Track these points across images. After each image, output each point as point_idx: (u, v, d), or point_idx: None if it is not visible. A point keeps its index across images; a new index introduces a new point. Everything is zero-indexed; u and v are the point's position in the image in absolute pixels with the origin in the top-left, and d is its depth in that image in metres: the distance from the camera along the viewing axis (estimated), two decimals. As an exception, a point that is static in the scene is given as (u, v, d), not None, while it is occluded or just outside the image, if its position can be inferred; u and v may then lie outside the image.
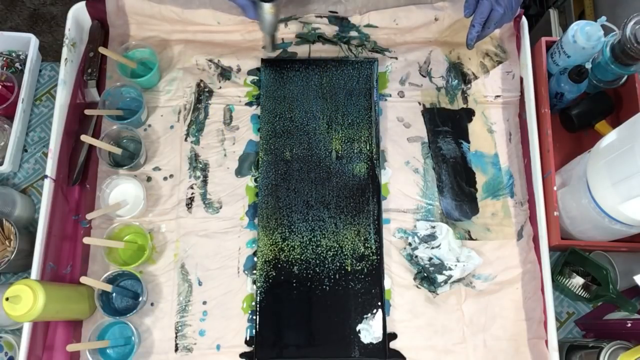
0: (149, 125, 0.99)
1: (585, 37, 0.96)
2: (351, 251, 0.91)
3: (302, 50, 1.03)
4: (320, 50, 1.04)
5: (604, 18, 0.97)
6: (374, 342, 0.87)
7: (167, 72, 1.02)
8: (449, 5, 1.03)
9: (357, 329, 0.88)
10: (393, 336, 0.89)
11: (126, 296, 0.89)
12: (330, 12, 1.03)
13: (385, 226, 0.93)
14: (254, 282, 0.90)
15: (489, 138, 1.00)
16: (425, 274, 0.92)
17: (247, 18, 0.85)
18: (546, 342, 0.87)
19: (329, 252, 0.91)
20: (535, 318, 0.90)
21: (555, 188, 0.93)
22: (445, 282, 0.90)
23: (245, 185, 0.96)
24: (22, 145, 1.02)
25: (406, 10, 1.03)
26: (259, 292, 0.88)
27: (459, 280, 0.91)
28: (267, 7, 0.83)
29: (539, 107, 0.98)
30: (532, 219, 0.95)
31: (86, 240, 0.84)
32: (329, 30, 1.04)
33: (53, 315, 0.82)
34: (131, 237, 0.93)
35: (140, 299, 0.86)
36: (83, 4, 1.02)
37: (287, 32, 1.03)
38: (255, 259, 0.91)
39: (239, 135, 0.99)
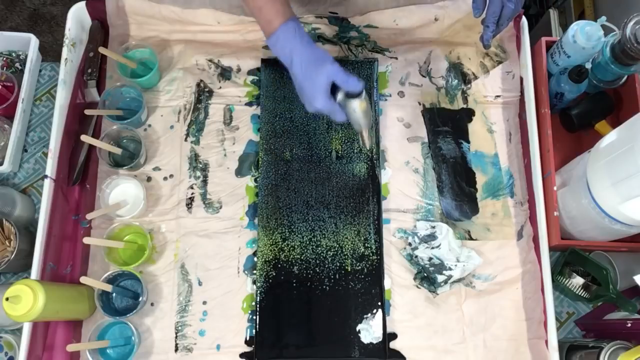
0: (149, 125, 0.99)
1: (585, 37, 0.96)
2: (351, 251, 0.91)
3: (302, 50, 1.03)
4: (320, 50, 1.04)
5: (604, 18, 0.97)
6: (374, 342, 0.87)
7: (167, 72, 1.02)
8: (449, 5, 1.03)
9: (357, 329, 0.88)
10: (393, 336, 0.89)
11: (126, 296, 0.89)
12: (331, 12, 1.03)
13: (385, 226, 0.93)
14: (254, 282, 0.90)
15: (489, 138, 1.00)
16: (425, 274, 0.92)
17: (338, 121, 0.79)
18: (546, 342, 0.87)
19: (329, 252, 0.91)
20: (535, 318, 0.90)
21: (555, 188, 0.93)
22: (445, 282, 0.90)
23: (245, 185, 0.96)
24: (22, 145, 1.02)
25: (406, 10, 1.03)
26: (259, 292, 0.88)
27: (459, 280, 0.91)
28: (356, 104, 0.77)
29: (539, 107, 0.98)
30: (532, 219, 0.95)
31: (86, 240, 0.84)
32: (329, 30, 1.04)
33: (53, 315, 0.82)
34: (131, 237, 0.93)
35: (140, 299, 0.86)
36: (83, 4, 1.02)
37: (287, 32, 1.03)
38: (255, 259, 0.91)
39: (239, 135, 0.99)
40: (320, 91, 0.75)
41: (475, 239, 0.94)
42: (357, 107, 0.78)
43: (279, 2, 0.78)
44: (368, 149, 0.87)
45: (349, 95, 0.77)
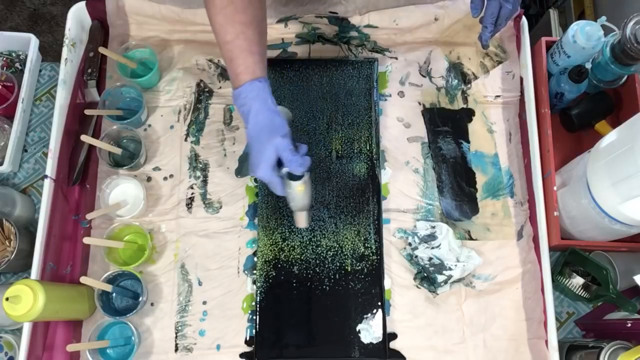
0: (149, 125, 0.99)
1: (585, 37, 0.96)
2: (351, 251, 0.91)
3: (302, 50, 1.03)
4: (320, 50, 1.04)
5: (604, 18, 0.97)
6: (374, 342, 0.87)
7: (167, 72, 1.02)
8: (449, 5, 1.03)
9: (357, 329, 0.88)
10: (393, 336, 0.89)
11: (126, 296, 0.89)
12: (330, 12, 1.03)
13: (385, 226, 0.93)
14: (254, 282, 0.90)
15: (489, 138, 1.00)
16: (425, 274, 0.92)
17: (276, 194, 0.77)
18: (546, 342, 0.87)
19: (329, 252, 0.91)
20: (535, 318, 0.90)
21: (555, 188, 0.92)
22: (445, 282, 0.90)
23: (245, 185, 0.96)
24: (22, 145, 1.02)
25: (406, 10, 1.03)
26: (259, 292, 0.88)
27: (459, 280, 0.91)
28: (296, 185, 0.76)
29: (539, 107, 0.98)
30: (532, 219, 0.95)
31: (86, 240, 0.84)
32: (329, 30, 1.04)
33: (53, 315, 0.82)
34: (131, 237, 0.93)
35: (140, 299, 0.86)
36: (83, 4, 1.02)
37: (287, 32, 1.03)
38: (255, 259, 0.91)
39: (239, 135, 0.99)
40: (265, 161, 0.73)
41: (475, 239, 0.94)
42: (296, 188, 0.77)
43: (253, 58, 0.75)
44: (302, 227, 0.85)
45: (291, 176, 0.76)
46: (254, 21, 0.76)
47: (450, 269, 0.90)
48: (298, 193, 0.77)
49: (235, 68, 0.75)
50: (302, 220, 0.83)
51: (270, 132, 0.74)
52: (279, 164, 0.75)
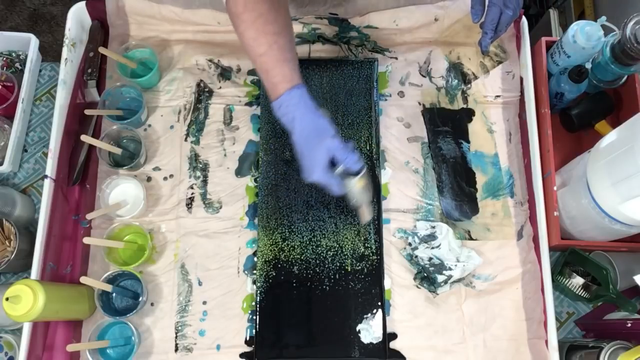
0: (149, 125, 0.99)
1: (585, 37, 0.96)
2: (351, 251, 0.91)
3: (302, 50, 1.03)
4: (320, 50, 1.04)
5: (604, 18, 0.97)
6: (374, 342, 0.87)
7: (167, 72, 1.02)
8: (449, 5, 1.03)
9: (357, 329, 0.88)
10: (393, 336, 0.89)
11: (126, 296, 0.89)
12: (331, 14, 1.03)
13: (385, 226, 0.93)
14: (254, 282, 0.90)
15: (489, 138, 1.00)
16: (425, 274, 0.92)
17: (335, 195, 0.77)
18: (546, 342, 0.87)
19: (329, 252, 0.91)
20: (535, 318, 0.90)
21: (555, 188, 0.92)
22: (445, 282, 0.90)
23: (245, 185, 0.96)
24: (22, 145, 1.02)
25: (406, 10, 1.03)
26: (259, 292, 0.88)
27: (459, 280, 0.91)
28: (356, 181, 0.77)
29: (539, 107, 0.98)
30: (532, 219, 0.95)
31: (86, 240, 0.84)
32: (329, 30, 1.04)
33: (53, 315, 0.82)
34: (131, 237, 0.93)
35: (140, 299, 0.86)
36: (83, 4, 1.02)
37: (287, 32, 1.03)
38: (255, 259, 0.91)
39: (239, 135, 0.99)
40: (319, 164, 0.74)
41: (475, 239, 0.94)
42: (355, 184, 0.77)
43: (288, 66, 0.75)
44: (365, 223, 0.85)
45: (348, 172, 0.76)
46: (284, 29, 0.76)
47: (450, 269, 0.90)
48: (359, 188, 0.78)
49: (272, 79, 0.75)
50: (367, 213, 0.82)
51: (319, 134, 0.74)
52: (332, 164, 0.75)
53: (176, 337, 0.88)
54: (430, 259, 0.91)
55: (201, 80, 1.01)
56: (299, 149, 0.76)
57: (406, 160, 0.98)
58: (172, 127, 0.99)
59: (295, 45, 0.79)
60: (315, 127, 0.75)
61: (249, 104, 1.00)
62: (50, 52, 1.71)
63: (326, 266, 0.90)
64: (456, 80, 1.03)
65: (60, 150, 0.93)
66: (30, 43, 1.02)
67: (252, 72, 1.02)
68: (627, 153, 0.76)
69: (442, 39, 1.05)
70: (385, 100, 1.01)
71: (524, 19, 1.02)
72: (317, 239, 0.92)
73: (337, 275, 0.90)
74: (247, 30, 0.75)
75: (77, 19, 1.01)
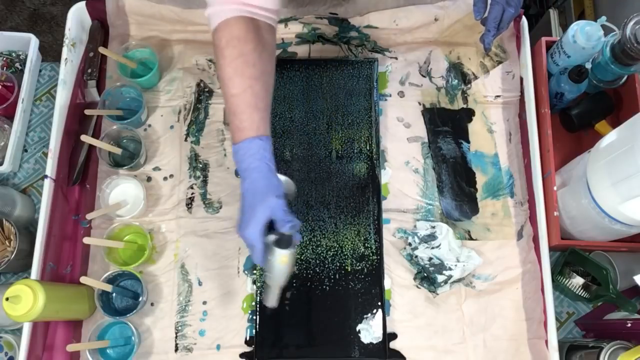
0: (149, 125, 0.99)
1: (585, 37, 0.96)
2: (351, 251, 0.91)
3: (302, 50, 1.04)
4: (320, 50, 1.04)
5: (604, 18, 0.97)
6: (374, 342, 0.87)
7: (167, 72, 1.02)
8: (449, 5, 1.03)
9: (357, 329, 0.88)
10: (393, 336, 0.89)
11: (126, 296, 0.89)
12: (331, 14, 1.03)
13: (385, 226, 0.93)
14: (254, 282, 0.90)
15: (489, 138, 1.00)
16: (425, 274, 0.92)
17: (254, 261, 0.72)
18: (546, 342, 0.87)
19: (329, 252, 0.91)
20: (535, 318, 0.90)
21: (555, 188, 0.92)
22: (445, 282, 0.90)
23: (245, 185, 0.95)
24: (22, 145, 1.02)
25: (406, 10, 1.03)
26: (259, 292, 0.88)
27: (459, 280, 0.91)
28: (281, 255, 0.71)
29: (539, 107, 0.98)
30: (532, 219, 0.94)
31: (86, 240, 0.84)
32: (329, 30, 1.04)
33: (53, 315, 0.82)
34: (131, 237, 0.93)
35: (140, 299, 0.86)
36: (83, 4, 1.02)
37: (287, 32, 1.03)
38: (255, 259, 0.91)
39: (239, 135, 0.98)
40: (255, 220, 0.70)
41: (475, 239, 0.94)
42: (279, 258, 0.71)
43: (257, 114, 0.72)
44: (269, 307, 0.77)
45: (278, 243, 0.71)
46: (262, 75, 0.73)
47: (450, 269, 0.90)
48: (280, 265, 0.72)
49: (238, 123, 0.72)
50: (273, 297, 0.77)
51: (266, 191, 0.71)
52: (269, 230, 0.71)
53: (176, 337, 0.88)
54: (430, 259, 0.91)
55: (201, 80, 1.01)
56: (243, 201, 0.72)
57: (406, 160, 0.98)
58: (172, 127, 0.99)
59: (271, 95, 0.75)
60: (266, 184, 0.71)
61: (249, 104, 1.00)
62: (50, 52, 1.71)
63: (326, 266, 0.90)
64: (456, 80, 1.03)
65: (60, 150, 0.93)
66: (30, 43, 1.02)
67: (252, 72, 1.02)
68: (627, 153, 0.76)
69: (442, 39, 1.05)
70: (385, 100, 1.01)
71: (524, 18, 1.02)
72: (317, 239, 0.92)
73: (337, 275, 0.90)
74: (226, 67, 0.72)
75: (77, 19, 1.01)
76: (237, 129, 0.72)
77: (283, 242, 0.71)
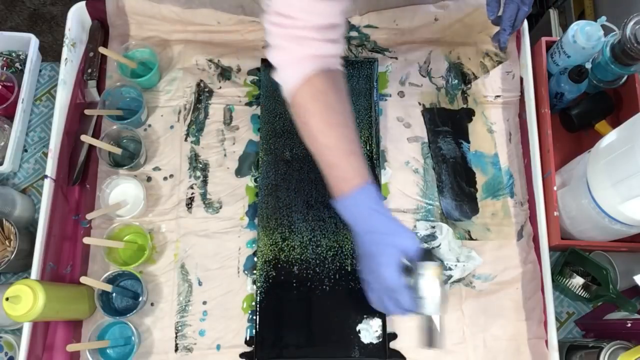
0: (149, 125, 0.99)
1: (585, 37, 0.96)
2: (351, 251, 0.91)
3: (302, 50, 1.03)
4: (320, 50, 1.03)
5: (604, 18, 0.97)
6: (374, 342, 0.87)
7: (167, 72, 1.02)
8: (449, 5, 1.03)
9: (357, 329, 0.88)
10: (393, 336, 0.89)
11: (126, 296, 0.89)
12: (330, 12, 1.03)
13: (385, 226, 0.93)
14: (254, 282, 0.90)
15: (489, 138, 1.00)
16: (425, 274, 0.91)
17: (403, 307, 0.68)
18: (546, 342, 0.87)
19: (329, 252, 0.91)
20: (535, 318, 0.90)
21: (555, 188, 0.92)
22: (445, 282, 0.90)
23: (245, 185, 0.96)
24: (22, 145, 1.02)
25: (406, 10, 1.03)
26: (259, 292, 0.88)
27: (459, 280, 0.91)
28: (432, 269, 0.66)
29: (539, 107, 0.98)
30: (532, 219, 0.95)
31: (86, 240, 0.84)
32: (329, 30, 1.04)
33: (53, 315, 0.82)
34: (131, 237, 0.93)
35: (140, 299, 0.86)
36: (83, 4, 1.02)
37: (287, 32, 1.03)
38: (255, 259, 0.91)
39: (239, 135, 0.99)
40: (391, 262, 0.67)
41: (475, 239, 0.94)
42: (431, 272, 0.65)
43: (356, 161, 0.70)
44: (437, 348, 0.69)
45: (424, 257, 0.67)
46: (349, 120, 0.72)
47: (450, 269, 0.90)
48: (434, 281, 0.65)
49: (341, 173, 0.70)
50: (436, 330, 0.66)
51: (395, 231, 0.69)
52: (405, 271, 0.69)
53: (176, 337, 0.88)
54: (430, 259, 0.91)
55: (201, 80, 1.01)
56: (364, 248, 0.70)
57: (406, 160, 0.98)
58: (172, 127, 0.99)
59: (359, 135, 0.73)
60: (392, 225, 0.70)
61: (249, 104, 1.00)
62: (50, 52, 1.71)
63: (326, 266, 0.90)
64: (456, 80, 1.03)
65: (60, 150, 0.93)
66: (30, 43, 1.02)
67: (252, 72, 1.02)
68: (627, 153, 0.76)
69: (442, 39, 1.05)
70: (385, 100, 1.01)
71: (524, 19, 1.03)
72: (317, 239, 0.92)
73: (337, 275, 0.90)
74: (314, 122, 0.70)
75: (77, 19, 1.01)
76: (342, 180, 0.70)
77: (427, 253, 0.68)
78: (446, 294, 0.68)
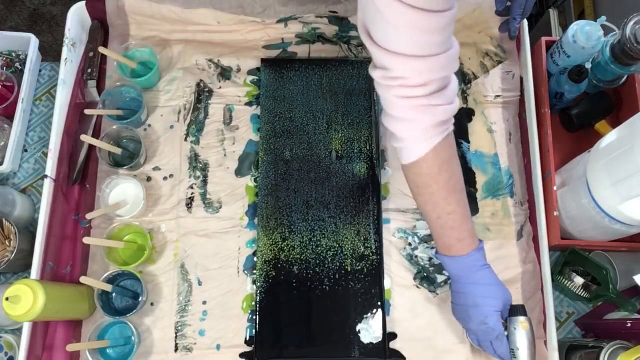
0: (149, 125, 0.99)
1: (585, 37, 0.96)
2: (351, 251, 0.91)
3: (302, 50, 1.03)
4: (320, 50, 1.04)
5: (604, 18, 0.97)
6: (374, 342, 0.87)
7: (167, 72, 1.02)
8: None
9: (357, 329, 0.88)
10: (393, 336, 0.89)
11: (126, 296, 0.89)
12: (331, 12, 1.03)
13: (385, 226, 0.93)
14: (254, 282, 0.90)
15: (489, 138, 1.00)
16: (425, 274, 0.92)
17: (499, 352, 0.77)
18: (545, 342, 0.87)
19: (329, 252, 0.91)
20: (535, 318, 0.90)
21: (555, 188, 0.92)
22: (445, 282, 0.90)
23: (245, 185, 0.96)
24: (22, 145, 1.02)
25: (406, 10, 1.03)
26: (259, 292, 0.88)
27: (459, 280, 0.91)
28: (521, 322, 0.76)
29: (539, 107, 0.98)
30: (532, 219, 0.94)
31: (86, 240, 0.84)
32: (329, 30, 1.04)
33: (53, 315, 0.82)
34: (131, 237, 0.93)
35: (140, 299, 0.86)
36: (83, 4, 1.02)
37: (287, 32, 1.03)
38: (255, 259, 0.91)
39: (239, 135, 0.99)
40: (494, 310, 0.76)
41: (475, 239, 0.94)
42: (521, 325, 0.76)
43: (470, 224, 0.76)
44: None
45: (514, 312, 0.77)
46: (464, 185, 0.76)
47: (450, 269, 0.90)
48: (524, 331, 0.75)
49: (458, 235, 0.75)
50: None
51: (498, 284, 0.78)
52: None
53: (176, 337, 0.88)
54: (430, 259, 0.91)
55: (201, 80, 1.01)
56: (465, 301, 0.78)
57: (406, 160, 0.98)
58: (172, 127, 0.99)
59: None
60: (497, 280, 0.78)
61: (249, 104, 1.00)
62: (50, 52, 1.71)
63: (326, 266, 0.90)
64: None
65: (60, 150, 0.93)
66: (30, 43, 1.02)
67: (252, 72, 1.02)
68: (627, 153, 0.76)
69: (442, 39, 1.05)
70: (385, 100, 1.01)
71: (524, 18, 1.02)
72: (317, 239, 0.92)
73: (337, 275, 0.90)
74: (440, 191, 0.73)
75: (77, 19, 1.01)
76: (457, 241, 0.75)
77: (517, 309, 0.77)
78: (535, 342, 0.77)
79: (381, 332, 0.87)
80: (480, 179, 0.98)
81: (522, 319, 0.76)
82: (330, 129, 0.97)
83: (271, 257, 0.90)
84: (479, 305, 0.76)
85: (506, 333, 0.77)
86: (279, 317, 0.88)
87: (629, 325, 0.84)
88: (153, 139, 0.98)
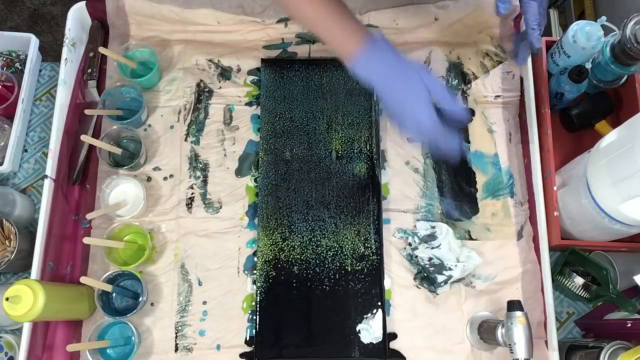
0: (149, 125, 0.99)
1: (585, 37, 0.96)
2: (351, 251, 0.91)
3: (302, 50, 1.03)
4: (320, 50, 1.04)
5: (604, 18, 0.97)
6: (374, 342, 0.87)
7: (167, 72, 1.02)
8: (449, 5, 1.03)
9: (357, 329, 0.88)
10: (393, 336, 0.89)
11: (126, 296, 0.89)
12: (330, 12, 1.03)
13: (385, 226, 0.93)
14: (254, 282, 0.90)
15: (489, 138, 1.00)
16: (425, 274, 0.92)
17: (448, 147, 0.70)
18: (546, 342, 0.87)
19: (329, 252, 0.91)
20: (535, 318, 0.90)
21: (555, 188, 0.92)
22: (445, 282, 0.90)
23: (245, 185, 0.96)
24: (22, 145, 1.02)
25: (406, 10, 1.03)
26: (259, 292, 0.88)
27: (459, 280, 0.91)
28: (517, 317, 0.76)
29: (539, 107, 0.98)
30: (532, 219, 0.94)
31: (86, 240, 0.84)
32: (329, 30, 1.04)
33: (53, 315, 0.82)
34: (131, 237, 0.93)
35: (140, 299, 0.86)
36: (83, 4, 1.02)
37: (287, 32, 1.03)
38: (255, 259, 0.91)
39: (239, 135, 0.99)
40: (421, 100, 0.66)
41: (475, 239, 0.94)
42: (517, 320, 0.74)
43: (352, 18, 0.70)
44: None
45: (512, 308, 0.77)
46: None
47: (450, 269, 0.90)
48: (521, 326, 0.74)
49: (340, 36, 0.69)
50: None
51: (413, 69, 0.68)
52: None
53: (176, 337, 0.88)
54: (430, 259, 0.91)
55: (201, 80, 1.01)
56: (386, 95, 0.69)
57: (406, 160, 0.98)
58: (172, 127, 0.99)
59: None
60: (409, 66, 0.69)
61: (249, 104, 1.00)
62: (50, 52, 1.70)
63: (326, 266, 0.90)
64: (456, 80, 1.03)
65: (60, 150, 0.93)
66: (30, 43, 1.02)
67: (252, 72, 1.02)
68: (627, 153, 0.76)
69: (442, 39, 1.05)
70: (385, 100, 1.01)
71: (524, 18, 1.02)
72: (317, 239, 0.92)
73: (337, 275, 0.90)
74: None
75: (77, 19, 1.01)
76: (344, 43, 0.69)
77: (514, 304, 0.77)
78: (532, 338, 0.76)
79: (381, 332, 0.87)
80: (480, 179, 0.98)
81: (518, 314, 0.76)
82: (330, 129, 0.97)
83: (271, 257, 0.90)
84: (400, 101, 0.68)
85: (503, 329, 0.77)
86: (279, 317, 0.88)
87: (629, 325, 0.84)
88: (153, 139, 0.98)
